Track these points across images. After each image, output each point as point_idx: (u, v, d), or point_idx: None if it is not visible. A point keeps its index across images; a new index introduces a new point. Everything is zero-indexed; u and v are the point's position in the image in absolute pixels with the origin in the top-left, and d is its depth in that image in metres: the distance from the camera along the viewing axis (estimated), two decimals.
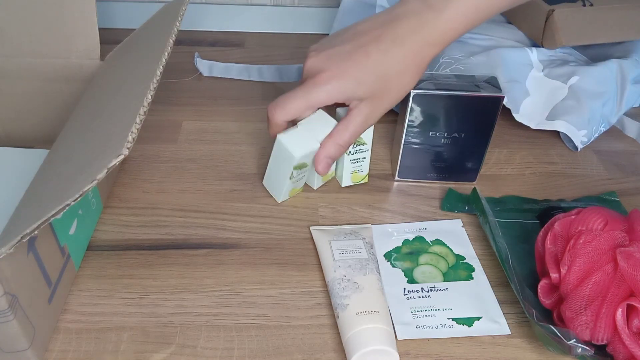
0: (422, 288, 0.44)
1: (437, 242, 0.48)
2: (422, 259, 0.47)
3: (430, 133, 0.51)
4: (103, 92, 0.47)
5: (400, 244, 0.48)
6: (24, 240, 0.31)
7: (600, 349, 0.38)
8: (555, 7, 0.62)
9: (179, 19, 0.43)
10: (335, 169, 0.54)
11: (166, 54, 0.40)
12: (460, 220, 0.51)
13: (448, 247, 0.48)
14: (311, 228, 0.49)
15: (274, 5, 0.83)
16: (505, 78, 0.59)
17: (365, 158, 0.52)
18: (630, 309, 0.37)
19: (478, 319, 0.42)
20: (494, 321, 0.42)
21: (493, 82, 0.50)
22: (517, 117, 0.59)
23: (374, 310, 0.40)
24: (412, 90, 0.48)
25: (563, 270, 0.40)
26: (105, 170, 0.30)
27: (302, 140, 0.47)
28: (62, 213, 0.31)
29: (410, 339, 0.41)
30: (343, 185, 0.53)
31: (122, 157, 0.31)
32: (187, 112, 0.63)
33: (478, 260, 0.47)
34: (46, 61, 0.54)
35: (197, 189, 0.53)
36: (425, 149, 0.52)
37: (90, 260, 0.46)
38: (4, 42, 0.53)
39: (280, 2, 0.83)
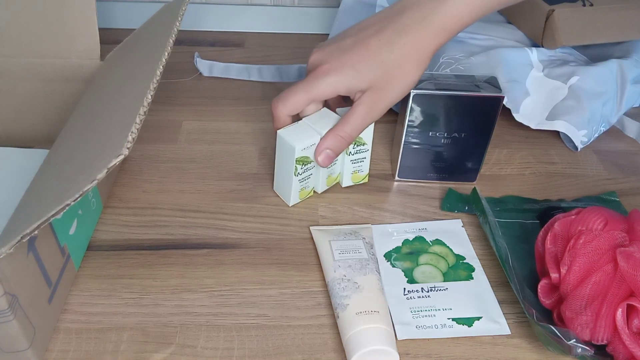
0: (422, 288, 0.44)
1: (437, 242, 0.48)
2: (422, 259, 0.47)
3: (430, 133, 0.51)
4: (103, 92, 0.47)
5: (400, 244, 0.48)
6: (24, 240, 0.31)
7: (600, 349, 0.38)
8: (555, 7, 0.62)
9: (179, 19, 0.43)
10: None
11: (166, 54, 0.40)
12: (460, 220, 0.51)
13: (448, 247, 0.48)
14: (311, 228, 0.49)
15: (274, 5, 0.83)
16: (505, 78, 0.59)
17: (365, 158, 0.52)
18: (630, 309, 0.37)
19: (478, 319, 0.42)
20: (494, 321, 0.42)
21: (493, 82, 0.50)
22: (517, 117, 0.59)
23: (374, 310, 0.40)
24: (412, 90, 0.48)
25: (563, 270, 0.40)
26: (105, 170, 0.30)
27: (302, 133, 0.47)
28: (62, 213, 0.31)
29: (410, 339, 0.41)
30: (343, 185, 0.53)
31: (122, 157, 0.31)
32: (187, 112, 0.63)
33: (478, 260, 0.47)
34: (46, 61, 0.54)
35: (197, 189, 0.53)
36: (425, 149, 0.52)
37: (90, 260, 0.46)
38: (4, 42, 0.53)
39: (280, 2, 0.83)
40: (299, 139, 0.46)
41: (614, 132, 0.63)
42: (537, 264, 0.45)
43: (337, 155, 0.48)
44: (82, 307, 0.42)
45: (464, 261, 0.47)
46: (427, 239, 0.49)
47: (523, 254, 0.47)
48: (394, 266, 0.46)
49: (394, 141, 0.56)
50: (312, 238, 0.48)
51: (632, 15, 0.64)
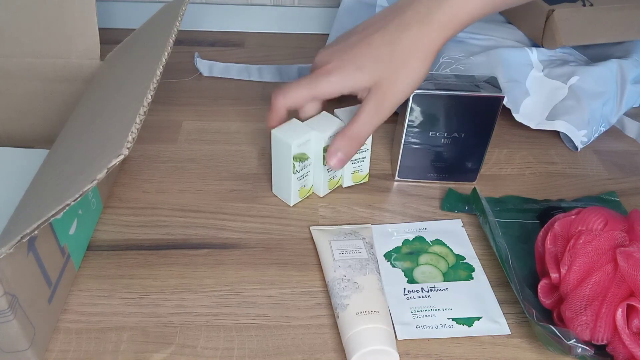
0: (422, 288, 0.44)
1: (437, 242, 0.48)
2: (422, 259, 0.47)
3: (430, 133, 0.51)
4: (103, 92, 0.47)
5: (400, 244, 0.48)
6: (24, 240, 0.31)
7: (600, 349, 0.38)
8: (555, 7, 0.62)
9: (179, 19, 0.43)
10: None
11: (166, 54, 0.40)
12: (460, 220, 0.51)
13: (448, 247, 0.48)
14: (311, 228, 0.49)
15: (274, 5, 0.83)
16: (505, 78, 0.59)
17: (365, 158, 0.52)
18: (630, 309, 0.37)
19: (478, 319, 0.42)
20: (494, 321, 0.42)
21: (493, 82, 0.50)
22: (517, 117, 0.59)
23: (374, 310, 0.40)
24: None
25: (563, 270, 0.40)
26: (105, 170, 0.30)
27: (296, 130, 0.47)
28: (62, 213, 0.31)
29: (410, 339, 0.41)
30: (344, 185, 0.54)
31: (122, 157, 0.31)
32: (187, 112, 0.63)
33: (478, 260, 0.47)
34: (46, 61, 0.54)
35: (197, 189, 0.53)
36: (425, 149, 0.52)
37: (90, 260, 0.46)
38: (4, 42, 0.53)
39: (280, 2, 0.83)
40: (293, 136, 0.46)
41: (614, 132, 0.63)
42: (537, 264, 0.45)
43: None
44: (82, 307, 0.42)
45: (464, 261, 0.47)
46: (427, 239, 0.49)
47: (523, 254, 0.47)
48: (394, 266, 0.46)
49: (394, 141, 0.56)
50: (312, 238, 0.48)
51: (632, 15, 0.64)
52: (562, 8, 0.62)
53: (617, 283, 0.38)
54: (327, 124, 0.48)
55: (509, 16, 0.71)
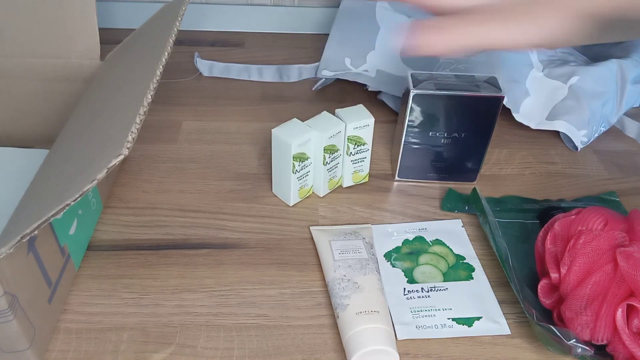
0: (422, 288, 0.44)
1: (437, 242, 0.48)
2: (422, 259, 0.47)
3: (430, 133, 0.51)
4: (103, 92, 0.47)
5: (400, 244, 0.48)
6: (24, 240, 0.31)
7: (600, 349, 0.38)
8: None
9: (179, 19, 0.43)
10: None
11: (166, 54, 0.40)
12: (460, 220, 0.51)
13: (448, 247, 0.48)
14: (311, 228, 0.49)
15: (274, 5, 0.83)
16: (505, 78, 0.59)
17: (365, 158, 0.52)
18: (630, 309, 0.37)
19: (478, 319, 0.42)
20: (494, 321, 0.42)
21: (493, 82, 0.50)
22: (517, 117, 0.59)
23: (374, 310, 0.40)
24: (412, 90, 0.48)
25: (563, 270, 0.40)
26: (105, 170, 0.30)
27: (297, 130, 0.47)
28: (62, 213, 0.31)
29: (410, 339, 0.41)
30: (344, 185, 0.54)
31: (122, 157, 0.31)
32: (187, 112, 0.63)
33: (478, 260, 0.47)
34: (46, 61, 0.54)
35: (197, 189, 0.53)
36: (425, 149, 0.52)
37: (90, 260, 0.46)
38: (4, 42, 0.53)
39: (280, 2, 0.83)
40: (294, 136, 0.47)
41: (614, 132, 0.63)
42: (537, 264, 0.45)
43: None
44: (82, 307, 0.42)
45: (464, 261, 0.47)
46: (427, 239, 0.49)
47: (523, 254, 0.47)
48: (394, 266, 0.46)
49: (394, 141, 0.56)
50: (312, 238, 0.48)
51: None
52: None
53: (617, 283, 0.38)
54: (327, 124, 0.48)
55: None
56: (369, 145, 0.51)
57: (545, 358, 0.40)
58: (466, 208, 0.52)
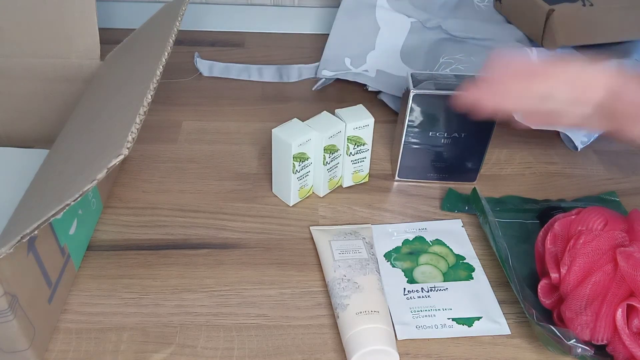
0: (422, 288, 0.44)
1: (437, 242, 0.48)
2: (422, 259, 0.47)
3: (430, 133, 0.51)
4: (103, 92, 0.47)
5: (400, 244, 0.48)
6: (24, 240, 0.31)
7: (600, 349, 0.38)
8: (555, 7, 0.62)
9: (179, 19, 0.43)
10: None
11: (166, 54, 0.40)
12: (460, 220, 0.51)
13: (448, 247, 0.48)
14: (311, 228, 0.49)
15: (274, 5, 0.83)
16: None
17: (365, 158, 0.52)
18: (630, 309, 0.37)
19: (478, 319, 0.42)
20: (494, 321, 0.42)
21: None
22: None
23: (374, 310, 0.40)
24: (412, 90, 0.48)
25: (563, 270, 0.40)
26: (105, 170, 0.30)
27: (296, 130, 0.47)
28: (62, 213, 0.31)
29: (410, 339, 0.41)
30: (344, 185, 0.54)
31: (122, 157, 0.31)
32: (187, 112, 0.63)
33: (478, 260, 0.47)
34: (46, 61, 0.54)
35: (197, 189, 0.53)
36: (425, 149, 0.52)
37: (90, 260, 0.46)
38: (4, 42, 0.53)
39: (280, 2, 0.83)
40: (294, 136, 0.47)
41: None
42: (537, 264, 0.45)
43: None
44: (82, 307, 0.42)
45: (464, 261, 0.47)
46: (427, 239, 0.49)
47: (523, 254, 0.47)
48: (394, 266, 0.46)
49: (394, 141, 0.56)
50: (312, 238, 0.48)
51: (632, 15, 0.63)
52: (562, 8, 0.62)
53: (617, 283, 0.38)
54: (327, 124, 0.48)
55: (509, 16, 0.71)
56: (369, 145, 0.51)
57: (545, 358, 0.40)
58: (466, 208, 0.52)
